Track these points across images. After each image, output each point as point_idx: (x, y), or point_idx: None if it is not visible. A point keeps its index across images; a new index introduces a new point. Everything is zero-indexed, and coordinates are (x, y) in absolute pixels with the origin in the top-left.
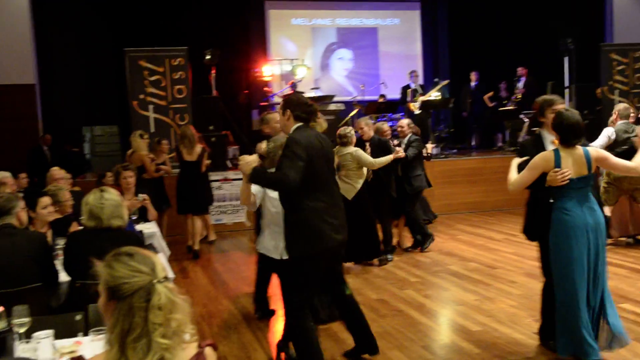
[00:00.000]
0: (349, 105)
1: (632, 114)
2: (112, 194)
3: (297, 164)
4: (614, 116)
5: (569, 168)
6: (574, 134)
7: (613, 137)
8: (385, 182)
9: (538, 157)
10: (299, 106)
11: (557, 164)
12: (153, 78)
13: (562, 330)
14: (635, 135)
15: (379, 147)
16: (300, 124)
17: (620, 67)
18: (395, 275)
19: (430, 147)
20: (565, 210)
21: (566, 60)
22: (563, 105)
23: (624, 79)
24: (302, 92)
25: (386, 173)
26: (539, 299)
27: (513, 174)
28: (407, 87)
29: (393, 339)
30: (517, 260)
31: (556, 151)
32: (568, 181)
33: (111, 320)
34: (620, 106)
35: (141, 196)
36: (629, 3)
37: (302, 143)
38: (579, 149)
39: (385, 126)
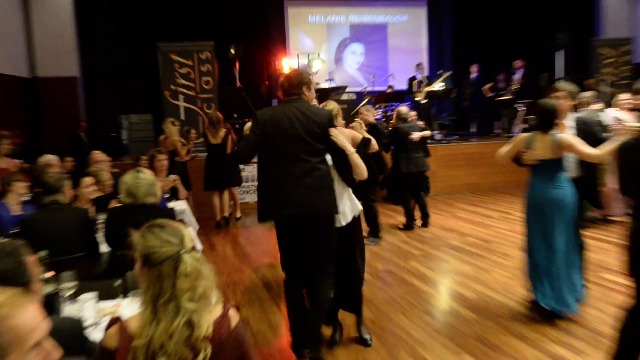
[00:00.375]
0: (360, 95)
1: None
2: (146, 174)
3: (249, 138)
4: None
5: (538, 150)
6: (546, 120)
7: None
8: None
9: (518, 137)
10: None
11: (528, 145)
12: (183, 70)
13: (534, 283)
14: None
15: (372, 131)
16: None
17: (608, 61)
18: (400, 249)
19: (417, 135)
20: (530, 186)
21: (560, 53)
22: (562, 93)
23: (614, 71)
24: (317, 83)
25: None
26: None
27: (505, 148)
28: (413, 78)
29: (398, 305)
30: (511, 236)
31: (532, 134)
32: (537, 161)
33: (144, 284)
34: (587, 94)
35: (172, 177)
36: None
37: (259, 118)
38: (551, 134)
39: (404, 110)
